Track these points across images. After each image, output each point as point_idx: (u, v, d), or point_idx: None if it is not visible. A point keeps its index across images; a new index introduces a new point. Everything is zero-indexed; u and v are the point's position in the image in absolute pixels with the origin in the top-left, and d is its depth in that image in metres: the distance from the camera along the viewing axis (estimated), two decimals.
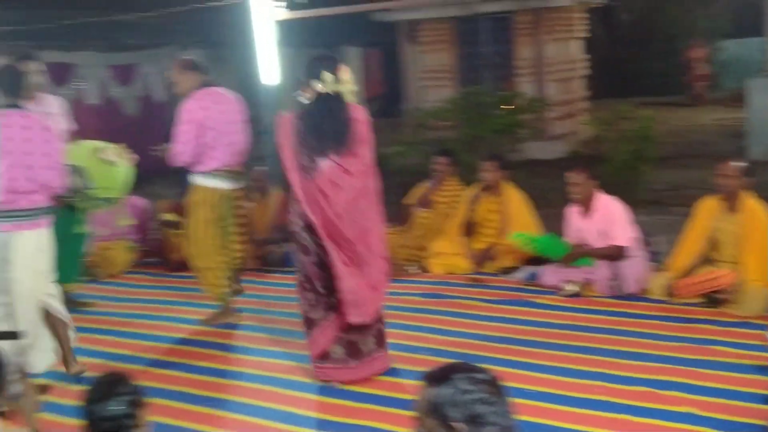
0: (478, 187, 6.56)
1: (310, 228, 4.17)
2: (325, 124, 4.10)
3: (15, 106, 4.29)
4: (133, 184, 5.57)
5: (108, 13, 9.90)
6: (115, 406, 2.50)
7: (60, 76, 11.15)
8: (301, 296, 4.33)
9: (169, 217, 7.35)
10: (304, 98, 4.18)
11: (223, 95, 5.36)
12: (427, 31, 12.77)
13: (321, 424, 4.00)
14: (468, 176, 7.14)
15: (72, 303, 5.90)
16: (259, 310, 5.78)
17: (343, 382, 4.33)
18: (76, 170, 5.18)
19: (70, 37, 11.25)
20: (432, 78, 12.85)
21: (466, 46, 12.65)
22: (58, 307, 4.54)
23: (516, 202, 6.46)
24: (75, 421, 4.06)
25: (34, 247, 4.31)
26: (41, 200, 4.32)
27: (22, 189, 4.20)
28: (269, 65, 7.23)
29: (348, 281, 4.14)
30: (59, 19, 9.77)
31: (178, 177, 5.55)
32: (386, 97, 18.09)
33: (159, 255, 7.32)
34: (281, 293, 5.99)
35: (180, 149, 5.17)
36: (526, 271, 6.12)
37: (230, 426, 4.02)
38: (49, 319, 4.48)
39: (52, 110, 5.69)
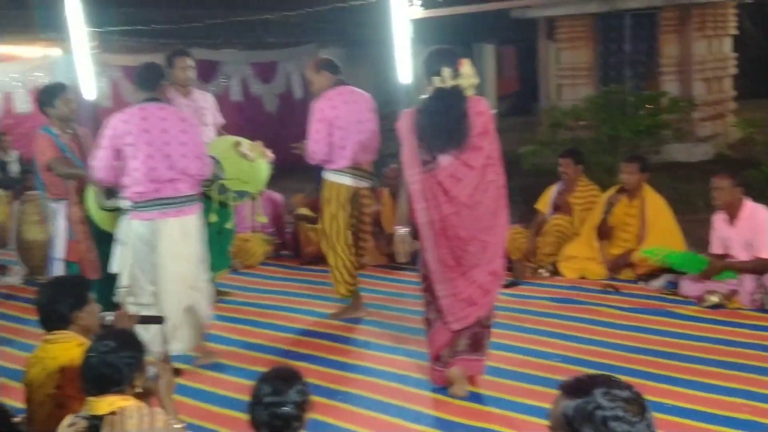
0: (617, 189, 6.33)
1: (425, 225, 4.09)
2: (442, 119, 4.01)
3: (153, 99, 4.51)
4: (270, 179, 5.72)
5: (252, 13, 10.25)
6: (288, 408, 2.52)
7: (206, 73, 11.65)
8: (422, 295, 4.27)
9: (304, 211, 7.53)
10: (425, 94, 4.13)
11: (354, 94, 5.41)
12: (566, 28, 12.49)
13: (441, 423, 3.95)
14: (605, 178, 6.91)
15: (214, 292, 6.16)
16: (385, 306, 5.82)
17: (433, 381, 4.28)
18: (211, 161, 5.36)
19: (216, 36, 11.75)
20: (569, 76, 12.56)
21: (607, 44, 12.29)
22: (202, 304, 4.70)
23: (656, 207, 6.19)
24: (206, 405, 4.26)
25: (179, 234, 4.50)
26: (185, 188, 4.51)
27: (164, 178, 4.40)
28: (405, 64, 7.27)
29: (442, 286, 4.05)
30: (206, 18, 10.21)
31: (313, 172, 5.66)
32: (520, 95, 17.86)
33: (292, 248, 7.51)
34: (407, 290, 6.00)
35: (313, 148, 5.29)
36: (665, 279, 5.84)
37: (351, 419, 4.05)
38: (190, 311, 4.67)
39: (203, 105, 5.94)
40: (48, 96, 5.27)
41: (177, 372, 4.46)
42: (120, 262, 4.55)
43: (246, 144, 5.48)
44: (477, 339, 4.20)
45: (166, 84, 4.72)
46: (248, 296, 6.33)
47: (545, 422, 1.96)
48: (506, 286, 5.78)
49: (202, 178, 4.68)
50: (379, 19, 7.78)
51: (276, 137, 5.92)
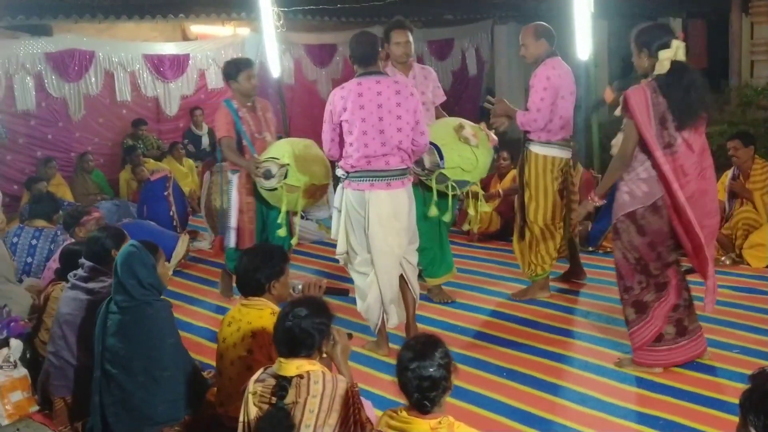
0: None
1: (655, 209, 4.00)
2: (691, 95, 3.90)
3: (370, 73, 4.47)
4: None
5: None
6: (433, 369, 2.57)
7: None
8: (628, 280, 4.14)
9: (474, 188, 7.48)
10: (658, 69, 3.91)
11: (565, 65, 5.29)
12: (764, 0, 11.63)
13: (622, 412, 3.86)
14: None
15: None
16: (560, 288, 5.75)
17: (674, 364, 4.18)
18: (430, 148, 4.95)
19: (396, 14, 11.88)
20: (765, 52, 11.71)
21: None
22: (411, 278, 4.70)
23: None
24: (379, 374, 4.39)
25: (389, 207, 4.45)
26: (395, 162, 4.44)
27: (376, 153, 4.38)
28: (585, 39, 7.08)
29: (711, 266, 4.06)
30: None
31: None
32: (709, 72, 16.82)
33: (461, 225, 7.48)
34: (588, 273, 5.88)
35: (535, 117, 5.14)
36: None
37: (529, 401, 4.05)
38: (401, 284, 4.68)
39: (422, 82, 5.65)
40: (233, 69, 5.54)
41: (349, 337, 4.62)
42: (335, 228, 4.64)
43: (469, 127, 5.23)
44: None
45: (383, 52, 4.66)
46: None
47: (721, 414, 1.95)
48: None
49: (418, 152, 4.60)
50: None
51: (449, 114, 5.88)
